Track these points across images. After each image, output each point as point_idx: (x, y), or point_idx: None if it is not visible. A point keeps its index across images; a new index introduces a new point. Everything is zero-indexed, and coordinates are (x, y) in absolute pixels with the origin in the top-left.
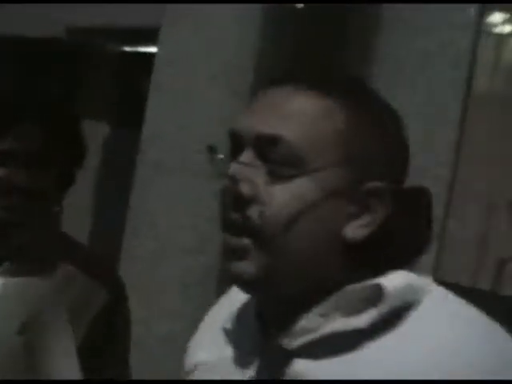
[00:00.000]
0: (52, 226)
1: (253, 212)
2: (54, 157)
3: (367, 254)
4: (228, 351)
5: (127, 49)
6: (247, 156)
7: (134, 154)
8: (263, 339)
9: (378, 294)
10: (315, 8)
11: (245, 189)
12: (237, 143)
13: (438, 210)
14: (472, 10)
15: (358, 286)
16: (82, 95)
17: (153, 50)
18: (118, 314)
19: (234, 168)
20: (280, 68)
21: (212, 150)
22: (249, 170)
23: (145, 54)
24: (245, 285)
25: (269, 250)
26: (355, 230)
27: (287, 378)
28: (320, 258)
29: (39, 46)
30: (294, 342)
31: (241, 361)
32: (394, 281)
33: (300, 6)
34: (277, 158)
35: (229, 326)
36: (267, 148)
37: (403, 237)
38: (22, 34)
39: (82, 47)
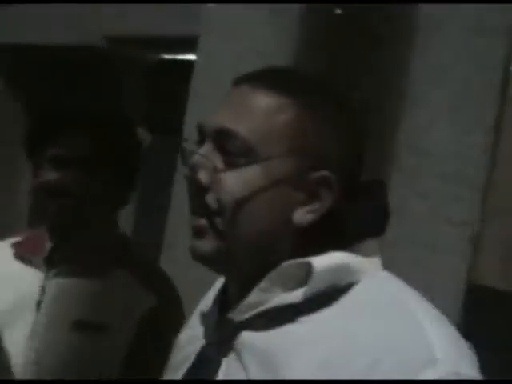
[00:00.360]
0: (108, 230)
1: (209, 198)
2: (105, 162)
3: (314, 236)
4: (199, 328)
5: (165, 56)
6: (207, 147)
7: (173, 161)
8: (219, 314)
9: (308, 272)
10: (350, 10)
11: (202, 177)
12: (201, 135)
13: (472, 214)
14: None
15: (290, 262)
16: (121, 103)
17: (191, 57)
18: (167, 317)
19: (195, 158)
20: (314, 73)
21: (183, 141)
22: (207, 160)
23: (183, 61)
24: (201, 260)
25: (222, 230)
26: (302, 215)
27: (235, 348)
28: (270, 240)
29: (78, 54)
30: (242, 316)
31: (203, 335)
32: (325, 260)
33: (337, 10)
34: (231, 149)
35: (207, 305)
36: (223, 140)
37: (352, 222)
38: (62, 42)
39: (121, 55)
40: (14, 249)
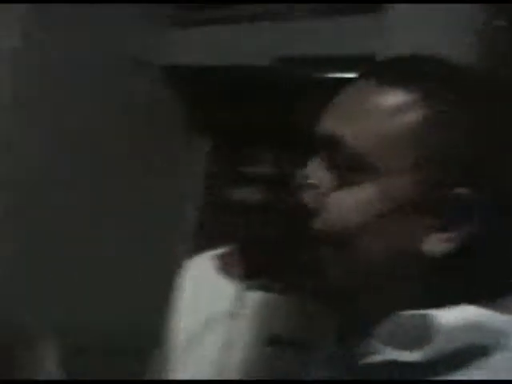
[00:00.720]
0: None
1: (317, 223)
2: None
3: (448, 273)
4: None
5: (335, 76)
6: (316, 160)
7: None
8: (333, 355)
9: (430, 327)
10: None
11: (307, 199)
12: (310, 147)
13: None
14: None
15: (407, 315)
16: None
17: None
18: None
19: (300, 176)
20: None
21: None
22: (315, 176)
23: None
24: (317, 301)
25: (336, 262)
26: (435, 244)
27: None
28: (392, 276)
29: (250, 74)
30: (356, 361)
31: (315, 366)
32: (452, 315)
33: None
34: (341, 161)
35: None
36: (332, 152)
37: (500, 258)
38: (233, 63)
39: (292, 76)
40: (216, 261)
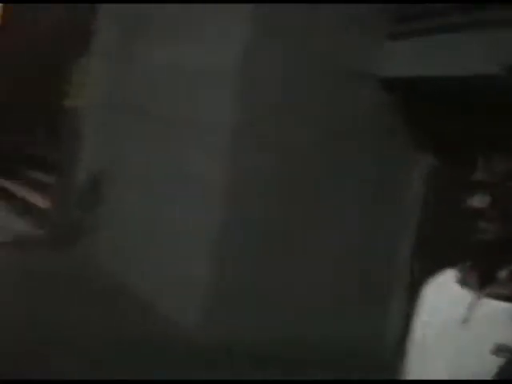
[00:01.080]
0: None
1: None
2: None
3: None
4: None
5: None
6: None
7: None
8: None
9: None
10: None
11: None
12: None
13: None
14: None
15: None
16: None
17: None
18: None
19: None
20: None
21: None
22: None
23: None
24: None
25: None
26: None
27: None
28: None
29: (476, 83)
30: None
31: None
32: None
33: None
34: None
35: None
36: None
37: None
38: (457, 73)
39: None
40: (456, 272)
